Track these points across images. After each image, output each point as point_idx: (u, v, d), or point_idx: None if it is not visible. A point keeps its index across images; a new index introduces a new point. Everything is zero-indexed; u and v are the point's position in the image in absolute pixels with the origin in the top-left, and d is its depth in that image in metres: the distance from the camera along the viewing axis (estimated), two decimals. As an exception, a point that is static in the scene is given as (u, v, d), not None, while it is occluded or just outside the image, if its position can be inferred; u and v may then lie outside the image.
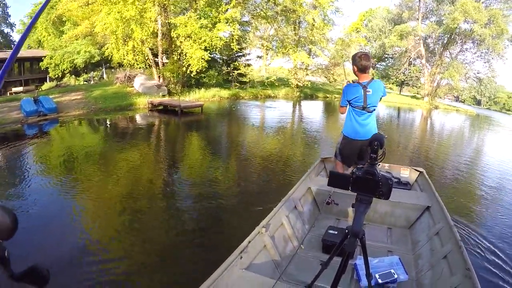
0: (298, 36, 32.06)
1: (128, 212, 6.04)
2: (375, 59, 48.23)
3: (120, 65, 24.97)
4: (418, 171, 5.96)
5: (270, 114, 22.34)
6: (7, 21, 44.81)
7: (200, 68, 22.20)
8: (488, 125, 29.33)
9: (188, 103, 20.08)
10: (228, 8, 23.05)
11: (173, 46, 23.73)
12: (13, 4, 73.37)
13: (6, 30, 45.27)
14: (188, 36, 21.81)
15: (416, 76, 43.99)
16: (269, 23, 30.11)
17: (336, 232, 3.92)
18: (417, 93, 46.95)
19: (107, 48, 23.19)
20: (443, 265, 3.20)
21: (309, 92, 35.48)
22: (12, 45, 43.53)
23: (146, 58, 23.36)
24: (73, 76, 32.21)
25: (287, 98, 32.08)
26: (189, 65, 22.23)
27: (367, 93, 4.18)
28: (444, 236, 3.66)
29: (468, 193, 8.36)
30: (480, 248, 5.10)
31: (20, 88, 30.84)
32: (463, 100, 53.65)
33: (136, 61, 22.43)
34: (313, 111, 26.95)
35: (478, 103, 60.71)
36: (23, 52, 36.61)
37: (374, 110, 4.35)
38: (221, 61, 32.98)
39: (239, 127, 16.98)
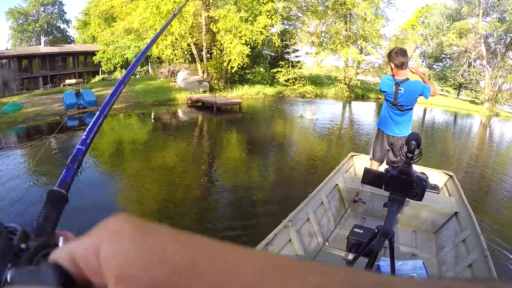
0: (348, 32, 29.41)
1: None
2: (432, 59, 44.79)
3: (160, 59, 24.15)
4: (448, 175, 5.60)
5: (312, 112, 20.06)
6: (63, 18, 46.44)
7: (241, 64, 20.71)
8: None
9: (225, 100, 18.64)
10: (268, 0, 21.19)
11: (215, 41, 22.34)
12: (68, 1, 75.52)
13: (62, 26, 46.85)
14: (228, 30, 20.35)
15: (476, 79, 40.14)
16: (318, 18, 27.81)
17: (361, 231, 3.65)
18: (476, 98, 43.03)
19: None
20: (467, 274, 3.10)
21: (360, 92, 32.57)
22: (69, 40, 44.62)
23: (186, 53, 22.07)
24: (123, 69, 32.21)
25: (337, 98, 29.58)
26: (229, 60, 20.82)
27: (399, 91, 4.08)
28: (470, 244, 3.48)
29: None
30: (508, 259, 4.82)
31: (73, 81, 31.72)
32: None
33: (175, 55, 21.26)
34: (364, 113, 23.98)
35: None
36: (78, 46, 37.65)
37: (409, 110, 4.24)
38: (268, 57, 31.05)
39: (277, 128, 15.15)
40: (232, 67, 20.88)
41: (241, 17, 20.05)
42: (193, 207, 6.16)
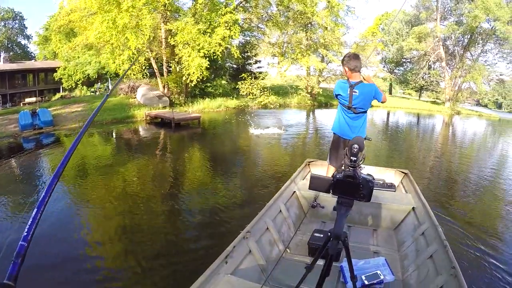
0: (309, 41, 28.86)
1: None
2: (393, 64, 45.25)
3: (117, 75, 23.30)
4: (403, 172, 5.72)
5: (278, 125, 19.14)
6: (24, 33, 44.55)
7: (200, 77, 19.88)
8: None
9: (183, 116, 17.84)
10: (226, 12, 20.41)
11: (175, 54, 21.44)
12: (29, 16, 72.42)
13: (23, 41, 45.04)
14: (186, 43, 19.56)
15: (436, 81, 40.73)
16: (279, 29, 27.30)
17: (321, 235, 3.68)
18: (437, 98, 43.69)
19: (103, 58, 21.53)
20: (429, 265, 3.13)
21: (323, 100, 32.42)
22: (30, 56, 43.05)
23: (144, 67, 21.15)
24: (82, 87, 31.19)
25: (300, 107, 29.17)
26: (189, 74, 19.89)
27: (353, 93, 4.11)
28: (429, 236, 3.56)
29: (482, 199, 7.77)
30: (466, 247, 4.97)
31: (33, 99, 30.60)
32: (485, 104, 50.34)
33: (133, 71, 20.31)
34: (326, 120, 22.69)
35: (499, 106, 56.99)
36: (38, 63, 36.32)
37: (364, 113, 4.29)
38: (230, 69, 30.38)
39: (236, 141, 14.41)
40: (191, 81, 19.99)
41: (199, 29, 19.24)
42: (153, 224, 5.84)
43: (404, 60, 43.90)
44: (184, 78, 20.58)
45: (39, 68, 35.12)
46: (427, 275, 3.02)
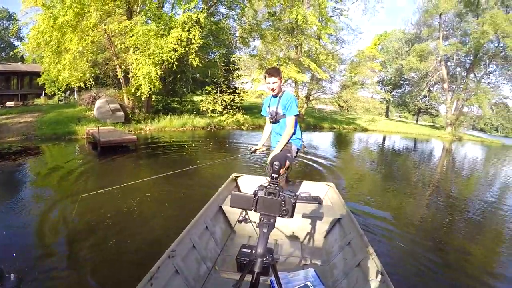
0: (298, 54, 23.59)
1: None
2: (390, 86, 40.26)
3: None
4: (328, 185, 5.34)
5: (243, 150, 13.47)
6: (18, 35, 40.73)
7: (153, 89, 15.16)
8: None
9: (113, 137, 12.48)
10: (186, 8, 15.49)
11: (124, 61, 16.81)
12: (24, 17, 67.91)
13: (17, 43, 41.31)
14: (136, 47, 14.89)
15: (437, 103, 36.06)
16: (266, 44, 22.17)
17: (249, 250, 3.15)
18: (434, 122, 39.06)
19: (44, 63, 17.34)
20: (357, 273, 3.06)
21: (312, 122, 27.08)
22: (23, 58, 39.06)
23: (89, 75, 16.50)
24: (62, 93, 27.21)
25: None
26: (139, 85, 15.10)
27: None
28: (355, 245, 3.48)
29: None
30: (391, 254, 4.87)
31: (12, 103, 26.84)
32: (481, 128, 46.10)
33: (76, 78, 15.77)
34: (317, 145, 17.95)
35: (496, 130, 54.36)
36: (24, 66, 32.88)
37: None
38: (212, 84, 23.95)
39: (170, 169, 9.48)
40: (142, 94, 15.16)
41: (148, 29, 14.54)
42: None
43: (402, 82, 39.32)
44: (133, 90, 15.68)
45: (23, 72, 31.37)
46: (356, 282, 2.92)
